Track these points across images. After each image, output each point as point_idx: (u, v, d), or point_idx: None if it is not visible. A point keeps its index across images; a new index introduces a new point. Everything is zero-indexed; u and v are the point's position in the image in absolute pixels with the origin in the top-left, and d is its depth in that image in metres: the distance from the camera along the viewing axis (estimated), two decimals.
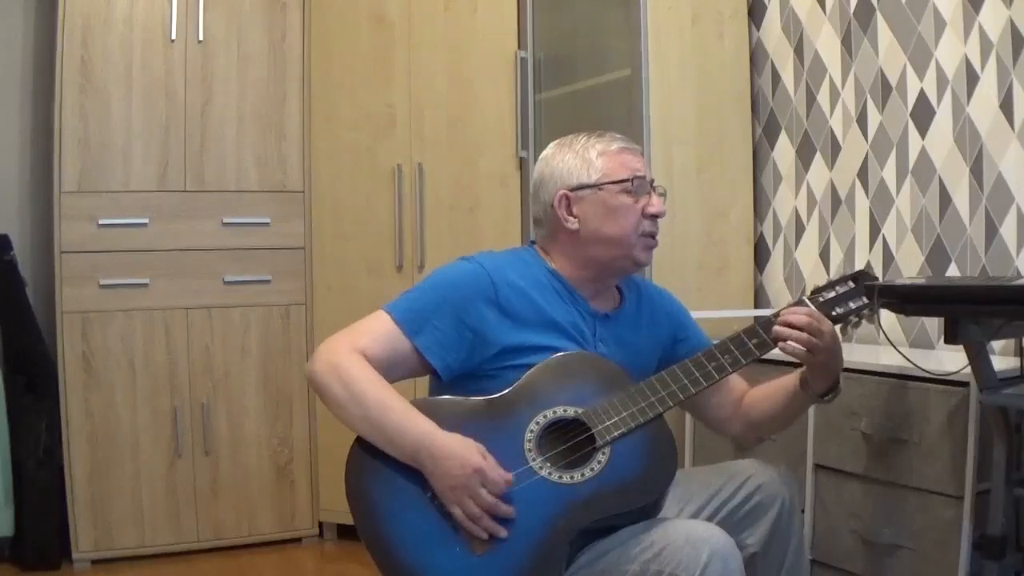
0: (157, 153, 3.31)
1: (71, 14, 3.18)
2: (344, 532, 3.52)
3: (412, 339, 1.75)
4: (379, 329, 1.76)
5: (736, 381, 1.93)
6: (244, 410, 3.43)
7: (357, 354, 1.72)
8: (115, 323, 3.27)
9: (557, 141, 1.91)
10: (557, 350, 1.76)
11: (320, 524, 3.54)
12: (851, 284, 1.80)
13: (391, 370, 1.75)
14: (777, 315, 1.75)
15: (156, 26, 3.30)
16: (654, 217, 1.83)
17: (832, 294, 1.79)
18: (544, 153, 1.91)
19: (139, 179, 3.29)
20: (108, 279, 3.25)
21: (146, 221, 3.30)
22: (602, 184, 1.82)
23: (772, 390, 1.88)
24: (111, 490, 3.25)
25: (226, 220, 3.39)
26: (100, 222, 3.24)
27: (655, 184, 1.87)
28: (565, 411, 1.71)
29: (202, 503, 3.37)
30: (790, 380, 1.84)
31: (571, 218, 1.83)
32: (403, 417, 1.68)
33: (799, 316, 1.72)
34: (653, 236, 1.85)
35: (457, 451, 1.64)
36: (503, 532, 1.63)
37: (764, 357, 1.78)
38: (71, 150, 3.21)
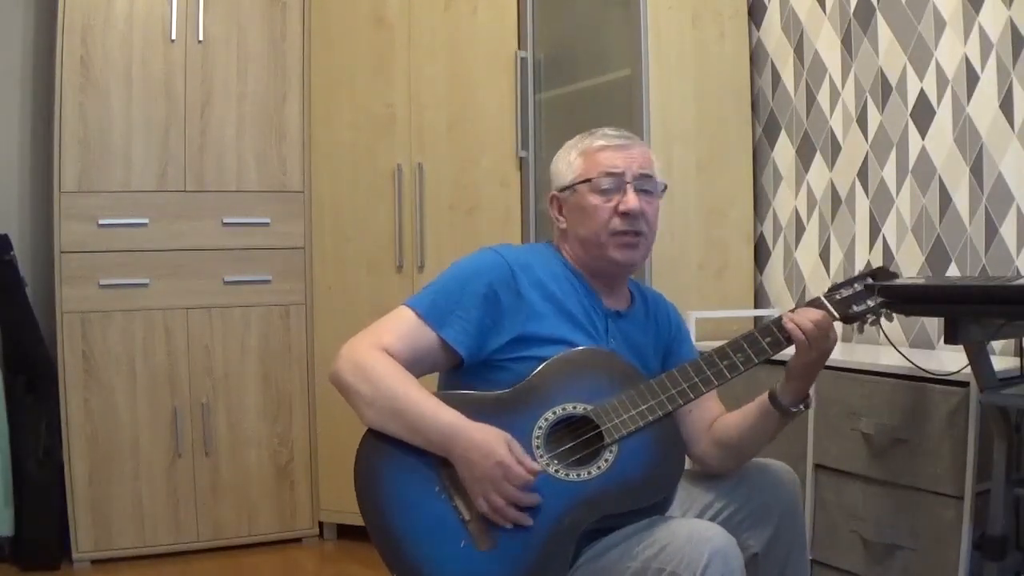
0: (157, 153, 3.31)
1: (71, 13, 3.18)
2: (344, 532, 3.52)
3: (438, 331, 1.75)
4: (402, 325, 1.76)
5: (714, 402, 1.91)
6: (244, 410, 3.43)
7: (380, 351, 1.72)
8: (115, 323, 3.27)
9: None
10: (570, 342, 1.76)
11: (320, 524, 3.53)
12: (869, 282, 1.80)
13: (416, 365, 1.75)
14: (792, 312, 1.75)
15: (156, 26, 3.30)
16: (626, 215, 1.79)
17: (849, 292, 1.79)
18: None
19: (139, 179, 3.29)
20: (108, 279, 3.25)
21: (146, 221, 3.30)
22: (575, 185, 1.84)
23: (741, 411, 1.86)
24: (111, 490, 3.25)
25: (226, 220, 3.39)
26: (100, 222, 3.24)
27: (636, 179, 1.80)
28: (574, 408, 1.71)
29: (202, 503, 3.37)
30: (760, 398, 1.82)
31: (560, 218, 1.88)
32: (431, 410, 1.68)
33: (816, 313, 1.72)
34: (626, 234, 1.80)
35: (482, 442, 1.64)
36: (528, 521, 1.63)
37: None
38: (71, 150, 3.21)
